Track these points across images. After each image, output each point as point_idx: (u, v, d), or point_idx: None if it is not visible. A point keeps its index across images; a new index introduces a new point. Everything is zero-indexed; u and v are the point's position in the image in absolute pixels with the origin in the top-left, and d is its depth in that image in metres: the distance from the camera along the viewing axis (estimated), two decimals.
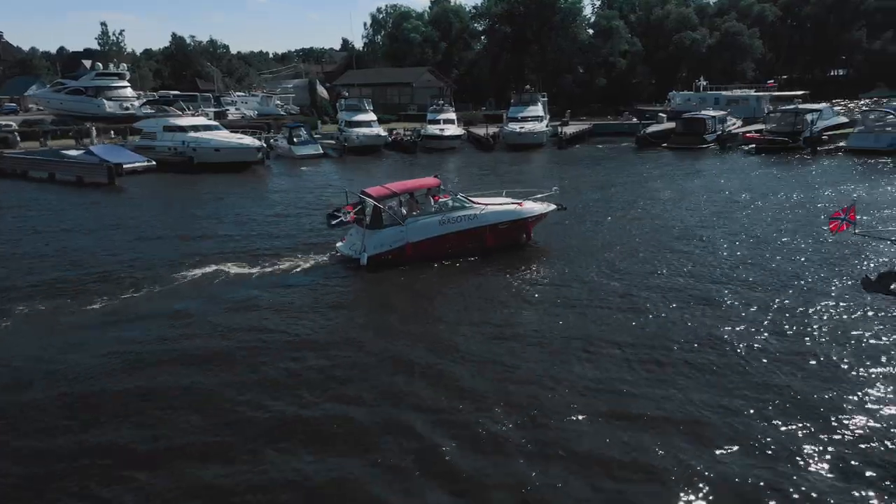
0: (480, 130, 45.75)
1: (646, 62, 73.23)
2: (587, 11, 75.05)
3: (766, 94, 50.67)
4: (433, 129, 43.96)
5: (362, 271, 15.09)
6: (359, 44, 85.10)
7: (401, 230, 15.67)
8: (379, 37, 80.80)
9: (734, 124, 42.60)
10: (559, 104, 61.83)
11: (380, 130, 43.35)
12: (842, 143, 35.28)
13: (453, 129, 44.55)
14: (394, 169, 37.56)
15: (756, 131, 39.28)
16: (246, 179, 32.08)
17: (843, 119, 40.09)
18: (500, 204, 16.98)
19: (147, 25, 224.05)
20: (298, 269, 15.37)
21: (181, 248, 17.52)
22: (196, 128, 35.34)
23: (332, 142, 42.31)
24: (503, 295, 13.38)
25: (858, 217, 11.75)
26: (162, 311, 12.53)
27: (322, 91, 56.64)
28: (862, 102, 59.90)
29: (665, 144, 40.59)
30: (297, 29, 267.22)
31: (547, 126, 46.07)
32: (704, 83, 54.12)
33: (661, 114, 49.06)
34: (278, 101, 55.97)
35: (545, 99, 48.71)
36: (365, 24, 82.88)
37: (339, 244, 16.70)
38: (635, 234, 18.35)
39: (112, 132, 40.47)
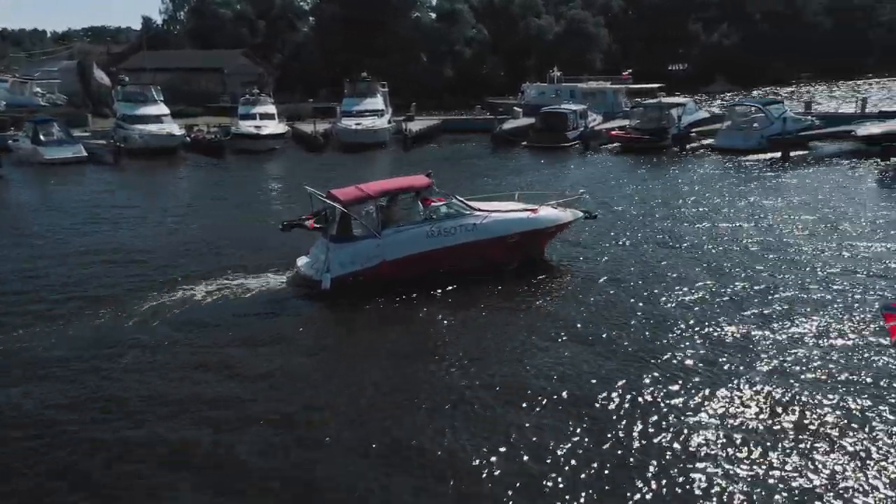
0: (309, 127, 39.94)
1: (494, 51, 71.95)
2: None
3: (623, 86, 50.16)
4: (246, 126, 37.44)
5: (321, 299, 12.88)
6: (158, 19, 74.44)
7: (376, 244, 13.42)
8: (182, 13, 71.29)
9: (595, 120, 40.92)
10: (403, 96, 58.07)
11: (173, 127, 36.01)
12: (709, 141, 34.45)
13: (273, 126, 38.30)
14: (191, 178, 30.78)
15: (619, 128, 37.67)
16: None
17: (706, 114, 39.84)
18: (509, 210, 14.65)
19: None
20: (228, 299, 12.93)
21: None
22: None
23: (104, 142, 34.24)
24: (509, 338, 11.27)
25: None
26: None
27: (101, 77, 47.35)
28: (729, 101, 62.42)
29: (524, 143, 37.74)
30: (87, 3, 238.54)
31: (389, 122, 41.44)
32: (558, 74, 52.72)
33: (515, 108, 46.52)
34: (38, 89, 45.88)
35: (386, 90, 44.01)
36: None
37: (299, 260, 14.10)
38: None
39: None
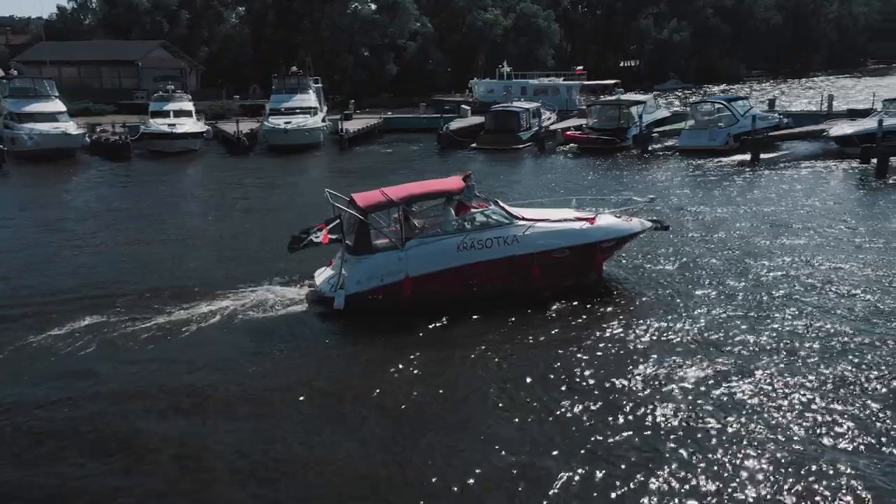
0: (232, 126, 36.58)
1: (440, 46, 69.77)
2: None
3: (577, 83, 48.44)
4: (158, 125, 33.89)
5: (334, 320, 11.69)
6: (68, 6, 69.12)
7: (398, 257, 12.02)
8: (94, 1, 66.33)
9: (550, 119, 38.91)
10: (341, 93, 55.22)
11: (69, 126, 32.18)
12: (673, 142, 32.78)
13: (190, 125, 34.85)
14: (85, 186, 27.13)
15: (576, 128, 35.71)
16: None
17: (667, 113, 38.34)
18: (559, 220, 12.85)
19: None
20: (233, 318, 11.67)
21: None
22: None
23: None
24: (554, 379, 9.53)
25: None
26: None
27: None
28: (684, 97, 61.53)
29: (474, 144, 35.36)
30: None
31: (324, 121, 38.44)
32: (508, 70, 50.76)
33: (464, 106, 44.19)
34: None
35: (320, 85, 40.93)
36: None
37: (317, 274, 12.94)
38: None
39: None
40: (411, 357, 10.31)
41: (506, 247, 12.25)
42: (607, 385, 9.36)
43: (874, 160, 24.58)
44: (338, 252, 12.73)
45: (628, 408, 8.78)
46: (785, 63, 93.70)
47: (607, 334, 11.01)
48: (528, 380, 9.55)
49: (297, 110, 36.10)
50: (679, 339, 10.79)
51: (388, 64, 64.16)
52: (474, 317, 11.71)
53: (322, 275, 12.87)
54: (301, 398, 9.28)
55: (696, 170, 27.24)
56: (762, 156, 28.52)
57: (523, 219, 12.64)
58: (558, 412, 8.72)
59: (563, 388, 9.32)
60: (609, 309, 12.10)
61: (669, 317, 11.57)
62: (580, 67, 53.86)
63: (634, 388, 9.27)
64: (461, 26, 71.10)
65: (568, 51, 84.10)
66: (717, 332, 10.97)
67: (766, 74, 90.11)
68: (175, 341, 11.04)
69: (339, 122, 38.34)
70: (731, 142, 30.34)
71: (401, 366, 10.07)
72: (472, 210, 12.61)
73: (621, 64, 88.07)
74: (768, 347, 10.37)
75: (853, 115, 32.03)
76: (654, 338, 10.83)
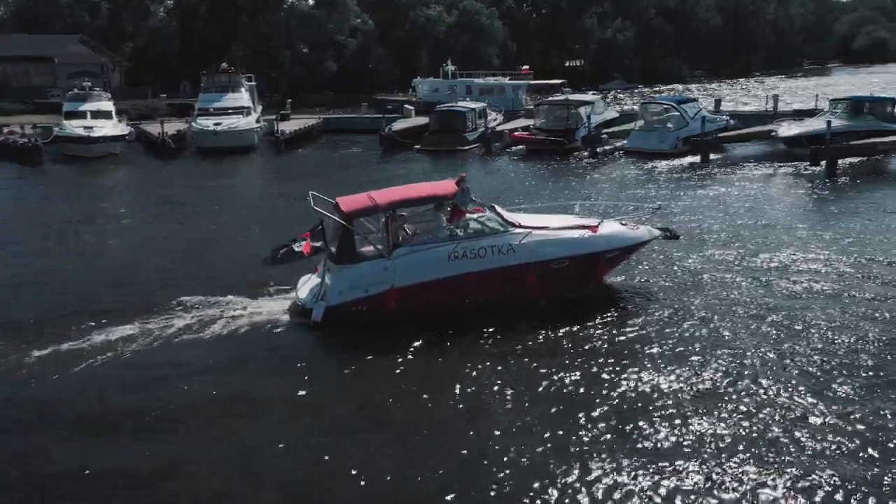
0: (157, 128, 34.45)
1: (381, 44, 68.48)
2: None
3: (524, 82, 47.87)
4: (73, 128, 31.53)
5: (311, 336, 10.99)
6: None
7: (383, 266, 11.43)
8: None
9: (496, 119, 38.13)
10: (280, 92, 53.46)
11: None
12: (622, 143, 32.38)
13: (110, 127, 32.60)
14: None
15: (523, 129, 35.00)
16: None
17: (616, 113, 38.02)
18: (560, 227, 12.33)
19: None
20: (204, 334, 10.75)
21: None
22: None
23: None
24: (550, 405, 8.82)
25: None
26: None
27: None
28: (619, 96, 61.73)
29: (418, 146, 34.26)
30: None
31: (259, 122, 36.70)
32: (452, 69, 49.84)
33: (407, 105, 42.98)
34: None
35: (253, 83, 39.11)
36: None
37: (301, 283, 12.27)
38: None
39: None
40: (395, 373, 9.81)
41: (500, 256, 11.66)
42: (600, 399, 9.01)
43: (823, 162, 24.56)
44: (322, 259, 12.14)
45: (621, 424, 8.38)
46: (725, 64, 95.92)
47: (599, 343, 10.67)
48: (516, 394, 9.11)
49: (229, 110, 34.28)
50: (663, 348, 10.41)
51: (328, 62, 62.53)
52: (462, 326, 11.15)
53: (306, 284, 12.17)
54: (269, 430, 8.54)
55: (647, 173, 26.77)
56: (711, 157, 28.35)
57: (520, 226, 12.07)
58: (548, 425, 8.37)
59: (555, 401, 8.94)
60: (602, 318, 11.59)
61: (651, 325, 11.20)
62: (526, 67, 53.45)
63: (627, 408, 8.80)
64: (404, 23, 70.00)
65: (513, 50, 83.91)
66: (684, 337, 10.18)
67: (708, 75, 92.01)
68: (113, 363, 10.17)
69: (274, 123, 36.64)
70: (679, 145, 30.06)
71: (382, 383, 9.58)
72: (466, 216, 12.07)
73: (566, 63, 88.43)
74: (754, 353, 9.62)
75: (799, 115, 32.27)
76: (638, 347, 10.48)
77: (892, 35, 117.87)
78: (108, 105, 33.88)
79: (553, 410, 8.74)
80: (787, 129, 28.33)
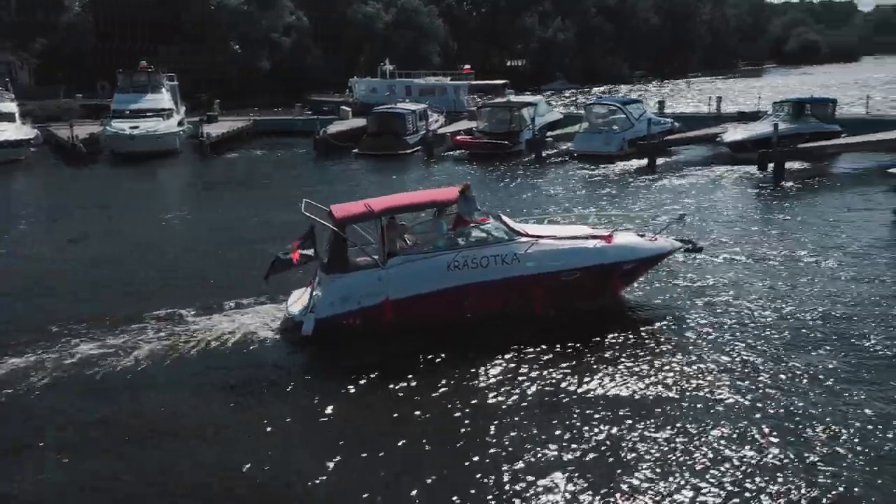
0: (67, 131, 32.07)
1: (317, 42, 66.77)
2: None
3: (465, 83, 47.02)
4: None
5: (301, 350, 10.54)
6: None
7: (377, 277, 10.85)
8: None
9: (438, 121, 37.14)
10: (210, 92, 51.22)
11: None
12: (567, 146, 31.83)
13: (12, 130, 30.32)
14: None
15: (466, 132, 34.12)
16: None
17: (559, 115, 37.55)
18: (570, 237, 11.78)
19: None
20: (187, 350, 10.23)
21: None
22: None
23: None
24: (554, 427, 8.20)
25: None
26: None
27: None
28: (565, 97, 61.63)
29: (356, 150, 32.96)
30: None
31: (182, 124, 34.70)
32: (391, 68, 48.64)
33: (343, 107, 41.57)
34: None
35: (175, 83, 37.01)
36: None
37: (293, 295, 11.68)
38: None
39: None
40: (388, 390, 9.37)
41: (505, 267, 11.09)
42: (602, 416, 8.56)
43: (771, 166, 24.45)
44: (315, 270, 11.70)
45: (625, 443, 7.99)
46: (664, 63, 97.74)
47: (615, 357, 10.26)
48: (517, 413, 8.69)
49: (148, 112, 32.25)
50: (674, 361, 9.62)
51: (262, 61, 60.42)
52: (462, 340, 10.68)
53: (298, 296, 11.70)
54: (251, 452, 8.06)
55: (594, 177, 26.19)
56: (658, 161, 28.03)
57: (527, 235, 11.55)
58: (551, 450, 7.95)
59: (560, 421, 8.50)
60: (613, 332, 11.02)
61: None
62: (468, 66, 52.56)
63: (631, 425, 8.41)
64: (340, 21, 68.45)
65: (454, 49, 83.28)
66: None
67: (648, 75, 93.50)
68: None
69: (200, 126, 34.69)
70: (625, 147, 29.75)
71: (374, 401, 9.13)
72: (479, 222, 11.64)
73: (507, 63, 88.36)
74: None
75: (743, 117, 32.37)
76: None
77: (822, 37, 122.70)
78: (10, 106, 31.41)
79: (556, 432, 8.30)
80: (733, 134, 28.25)
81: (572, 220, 14.43)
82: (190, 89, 48.03)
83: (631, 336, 10.96)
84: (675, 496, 7.12)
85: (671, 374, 9.68)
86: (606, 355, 10.24)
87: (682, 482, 7.32)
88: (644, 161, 27.93)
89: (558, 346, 10.45)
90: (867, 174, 24.14)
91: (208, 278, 14.02)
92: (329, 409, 9.00)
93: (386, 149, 32.14)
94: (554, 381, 9.50)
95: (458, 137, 33.16)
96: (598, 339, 10.75)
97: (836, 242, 16.01)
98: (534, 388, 9.34)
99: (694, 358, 10.15)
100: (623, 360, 10.10)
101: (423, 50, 69.94)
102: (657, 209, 20.22)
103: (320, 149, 33.13)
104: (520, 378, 9.61)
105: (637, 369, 9.80)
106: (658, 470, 7.54)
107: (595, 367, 9.88)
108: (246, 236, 17.57)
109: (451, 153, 32.65)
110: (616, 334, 10.92)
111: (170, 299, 12.42)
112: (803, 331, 11.08)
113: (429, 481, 7.40)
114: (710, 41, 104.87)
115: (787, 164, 24.85)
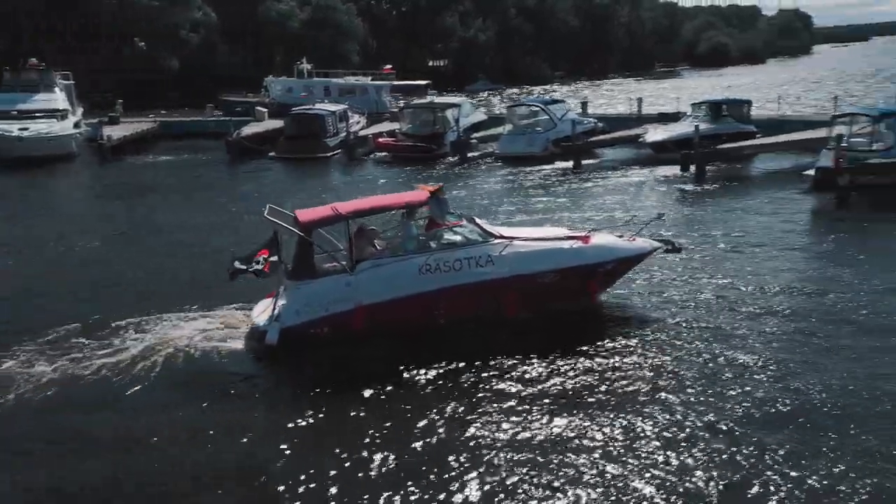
0: None
1: (227, 39, 64.48)
2: None
3: (387, 83, 46.23)
4: None
5: (264, 362, 10.32)
6: None
7: (345, 282, 10.60)
8: None
9: (359, 123, 36.24)
10: (112, 91, 48.50)
11: None
12: (492, 147, 31.56)
13: None
14: None
15: (388, 134, 33.39)
16: None
17: (484, 116, 37.31)
18: (545, 238, 11.61)
19: None
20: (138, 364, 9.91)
21: None
22: None
23: None
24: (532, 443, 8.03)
25: None
26: None
27: None
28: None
29: (272, 153, 31.69)
30: None
31: (78, 126, 32.50)
32: (308, 67, 47.32)
33: (259, 108, 40.04)
34: None
35: (70, 82, 34.64)
36: None
37: (259, 305, 11.33)
38: None
39: None
40: (356, 404, 9.01)
41: (479, 270, 10.92)
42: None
43: (693, 166, 24.86)
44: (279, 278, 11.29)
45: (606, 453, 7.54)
46: (583, 65, 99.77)
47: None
48: (493, 424, 8.47)
49: (38, 113, 30.02)
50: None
51: (170, 59, 57.78)
52: (433, 346, 10.50)
53: (264, 307, 11.22)
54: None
55: (520, 179, 25.97)
56: (584, 162, 28.12)
57: (501, 236, 11.39)
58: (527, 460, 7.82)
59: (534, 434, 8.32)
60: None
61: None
62: (389, 66, 51.80)
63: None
64: (251, 17, 66.39)
65: (374, 48, 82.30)
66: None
67: (567, 76, 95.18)
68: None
69: (99, 128, 32.53)
70: (550, 147, 29.72)
71: (340, 415, 8.80)
72: (451, 224, 11.44)
73: (429, 63, 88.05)
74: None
75: (664, 118, 32.97)
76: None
77: (732, 40, 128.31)
78: None
79: (535, 442, 8.19)
80: (654, 134, 28.65)
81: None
82: (88, 89, 45.23)
83: (597, 336, 11.02)
84: (651, 491, 7.19)
85: (641, 371, 9.86)
86: (581, 357, 10.22)
87: (659, 478, 7.40)
88: (569, 162, 27.97)
89: (532, 349, 10.34)
90: (784, 174, 24.86)
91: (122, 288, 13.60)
92: (300, 418, 8.79)
93: (304, 152, 31.03)
94: (528, 383, 9.45)
95: (381, 140, 32.40)
96: (571, 340, 10.70)
97: (764, 240, 16.29)
98: (509, 391, 9.30)
99: (655, 354, 10.35)
100: (595, 360, 10.15)
101: (341, 49, 68.64)
102: (586, 211, 20.12)
103: (233, 152, 31.68)
104: (494, 382, 9.57)
105: (609, 368, 9.91)
106: (634, 468, 7.55)
107: (568, 368, 9.86)
108: (153, 246, 16.42)
109: (373, 156, 31.86)
110: (584, 334, 10.98)
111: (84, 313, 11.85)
112: (735, 324, 11.36)
113: (403, 489, 7.28)
114: (627, 44, 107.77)
115: (709, 165, 25.42)
